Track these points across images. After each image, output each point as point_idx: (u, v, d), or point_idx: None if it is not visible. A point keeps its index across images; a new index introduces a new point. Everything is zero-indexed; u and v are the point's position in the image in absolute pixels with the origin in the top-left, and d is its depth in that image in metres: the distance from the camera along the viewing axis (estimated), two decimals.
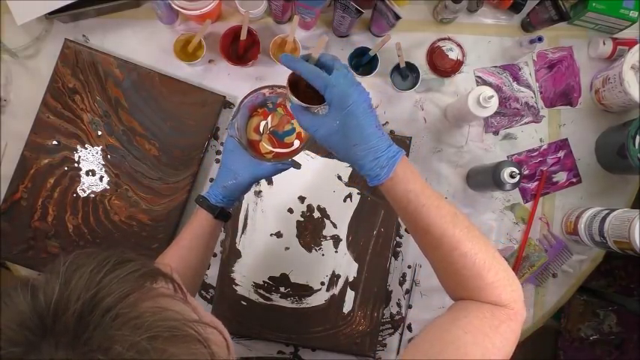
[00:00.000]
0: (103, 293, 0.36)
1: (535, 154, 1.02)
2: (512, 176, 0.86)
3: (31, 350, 0.34)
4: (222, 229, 0.96)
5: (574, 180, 1.02)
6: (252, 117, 0.80)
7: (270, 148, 0.79)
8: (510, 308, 0.57)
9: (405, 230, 0.99)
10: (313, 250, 0.97)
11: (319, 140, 0.60)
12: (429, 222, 0.57)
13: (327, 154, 0.98)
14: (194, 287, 0.77)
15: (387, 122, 1.00)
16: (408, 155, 0.98)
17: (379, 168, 0.56)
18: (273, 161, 0.77)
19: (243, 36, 0.89)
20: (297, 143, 0.79)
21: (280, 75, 0.99)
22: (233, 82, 0.99)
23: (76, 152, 0.95)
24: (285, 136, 0.79)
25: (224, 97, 0.97)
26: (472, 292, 0.58)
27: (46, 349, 0.34)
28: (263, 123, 0.79)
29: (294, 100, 0.61)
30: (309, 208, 0.98)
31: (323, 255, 0.97)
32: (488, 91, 0.86)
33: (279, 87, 0.77)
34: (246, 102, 0.76)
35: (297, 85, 0.63)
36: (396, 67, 0.96)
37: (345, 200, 0.98)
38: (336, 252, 0.97)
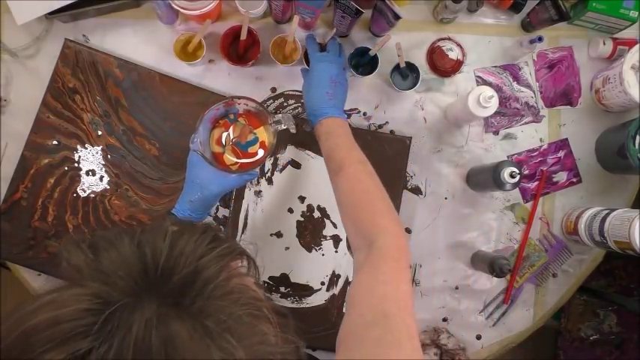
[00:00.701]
0: (204, 265, 0.40)
1: (535, 154, 1.02)
2: (512, 176, 0.86)
3: (137, 302, 0.36)
4: (222, 228, 0.96)
5: (574, 180, 1.02)
6: (213, 129, 0.81)
7: (235, 160, 0.80)
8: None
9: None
10: (313, 250, 0.97)
11: (304, 85, 0.88)
12: (335, 155, 0.75)
13: None
14: None
15: (386, 122, 1.00)
16: (408, 155, 0.98)
17: (311, 121, 0.81)
18: (239, 172, 0.78)
19: (243, 36, 0.89)
20: (261, 152, 0.81)
21: (280, 75, 0.99)
22: (233, 82, 0.99)
23: (76, 152, 0.95)
24: (249, 146, 0.81)
25: (224, 97, 0.96)
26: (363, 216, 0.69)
27: (148, 305, 0.36)
28: (225, 134, 0.81)
29: (304, 66, 0.92)
30: (309, 208, 0.98)
31: (323, 255, 0.97)
32: (488, 91, 0.86)
33: (239, 98, 0.78)
34: (207, 115, 0.77)
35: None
36: (396, 67, 0.96)
37: None
38: (336, 252, 0.97)
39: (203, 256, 0.40)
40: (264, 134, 0.82)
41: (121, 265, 0.39)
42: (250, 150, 0.81)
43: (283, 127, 0.80)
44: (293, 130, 0.81)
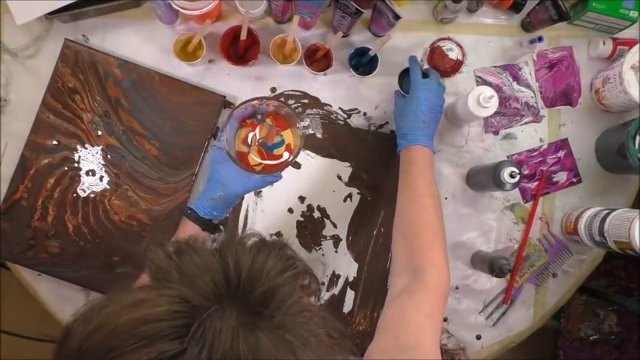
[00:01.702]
0: (282, 282, 0.42)
1: (535, 154, 1.02)
2: (512, 176, 0.86)
3: (220, 309, 0.38)
4: (222, 229, 0.96)
5: (574, 180, 1.02)
6: (240, 128, 0.80)
7: (259, 160, 0.79)
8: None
9: None
10: (313, 250, 0.97)
11: (395, 111, 0.92)
12: (408, 178, 0.79)
13: (327, 154, 0.98)
14: None
15: (386, 122, 1.00)
16: None
17: (400, 143, 0.84)
18: (262, 173, 0.78)
19: (243, 36, 0.89)
20: (286, 155, 0.80)
21: (280, 75, 0.99)
22: (233, 82, 0.99)
23: (76, 152, 0.95)
24: (274, 148, 0.80)
25: (224, 97, 0.97)
26: (414, 250, 0.73)
27: (229, 313, 0.38)
28: (251, 134, 0.80)
29: (400, 89, 0.95)
30: (309, 208, 0.98)
31: (323, 255, 0.97)
32: (488, 91, 0.86)
33: (269, 98, 0.77)
34: (236, 114, 0.76)
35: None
36: (405, 72, 0.94)
37: (345, 200, 0.98)
38: (336, 252, 0.97)
39: (282, 273, 0.42)
40: (290, 137, 0.81)
41: (204, 271, 0.40)
42: (275, 152, 0.80)
43: (311, 131, 0.79)
44: (319, 135, 0.81)
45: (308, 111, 0.99)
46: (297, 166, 0.97)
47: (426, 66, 1.00)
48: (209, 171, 0.79)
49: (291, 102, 0.99)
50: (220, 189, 0.75)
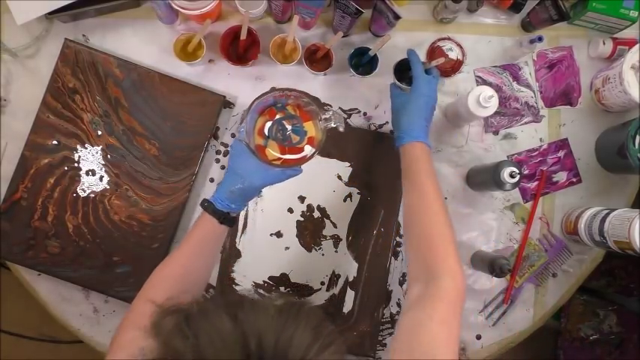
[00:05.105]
0: (312, 357, 0.39)
1: (535, 153, 1.02)
2: (512, 176, 0.86)
3: None
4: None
5: (574, 180, 1.02)
6: (258, 117, 0.76)
7: (277, 155, 0.75)
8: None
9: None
10: (313, 250, 0.97)
11: (393, 104, 0.89)
12: (415, 178, 0.78)
13: (327, 153, 0.98)
14: (198, 292, 0.76)
15: (386, 122, 1.00)
16: None
17: (402, 138, 0.82)
18: (282, 167, 0.75)
19: (243, 36, 0.89)
20: (307, 149, 0.75)
21: (280, 75, 0.99)
22: (233, 82, 0.99)
23: (76, 152, 0.95)
24: (294, 132, 0.75)
25: (224, 96, 0.97)
26: (427, 255, 0.72)
27: None
28: (269, 124, 0.75)
29: (397, 82, 0.94)
30: (309, 207, 0.98)
31: (323, 255, 0.97)
32: (488, 90, 0.86)
33: (290, 90, 0.75)
34: (255, 106, 0.73)
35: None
36: (401, 63, 0.95)
37: (345, 200, 0.98)
38: (336, 252, 0.97)
39: (312, 345, 0.40)
40: (312, 129, 0.76)
41: (223, 351, 0.38)
42: (294, 138, 0.76)
43: (333, 125, 0.75)
44: (342, 129, 0.76)
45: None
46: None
47: (423, 59, 0.99)
48: (228, 163, 0.77)
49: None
50: (239, 181, 0.74)
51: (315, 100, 0.99)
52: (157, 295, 0.68)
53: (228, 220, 0.74)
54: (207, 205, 0.74)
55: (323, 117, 0.75)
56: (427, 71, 0.87)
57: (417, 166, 0.79)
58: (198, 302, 0.43)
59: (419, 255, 0.73)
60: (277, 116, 0.75)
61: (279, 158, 0.75)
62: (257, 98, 0.73)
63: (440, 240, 0.72)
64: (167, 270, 0.72)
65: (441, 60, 0.89)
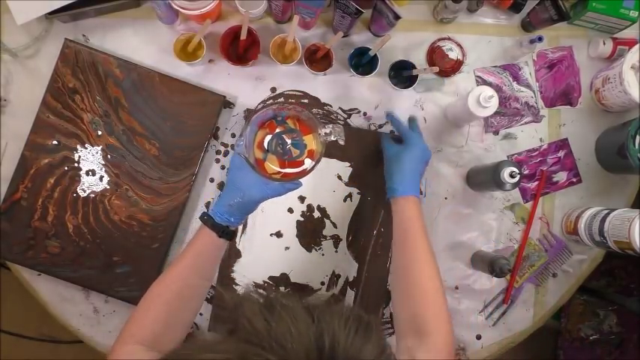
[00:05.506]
0: None
1: (535, 154, 1.02)
2: (512, 176, 0.86)
3: None
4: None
5: (574, 180, 1.02)
6: (258, 130, 0.75)
7: (277, 169, 0.74)
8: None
9: None
10: (313, 250, 0.97)
11: (386, 154, 0.90)
12: (408, 238, 0.79)
13: (327, 154, 0.98)
14: (197, 305, 0.75)
15: (386, 122, 1.00)
16: None
17: (395, 190, 0.83)
18: (282, 181, 0.74)
19: (243, 36, 0.89)
20: (307, 162, 0.74)
21: (280, 75, 0.99)
22: (233, 82, 0.99)
23: (76, 152, 0.95)
24: (294, 145, 0.74)
25: (224, 96, 0.97)
26: (415, 309, 0.73)
27: None
28: (268, 137, 0.74)
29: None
30: (309, 208, 0.98)
31: (323, 255, 0.97)
32: (488, 90, 0.86)
33: (289, 104, 0.74)
34: (255, 119, 0.73)
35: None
36: (395, 66, 0.96)
37: (345, 200, 0.98)
38: (336, 252, 0.97)
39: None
40: (312, 142, 0.75)
41: (299, 345, 0.40)
42: (294, 152, 0.75)
43: (333, 138, 0.75)
44: (342, 142, 0.76)
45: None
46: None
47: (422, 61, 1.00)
48: (227, 176, 0.77)
49: (291, 102, 0.99)
50: (238, 195, 0.74)
51: (315, 100, 0.99)
52: (152, 309, 0.68)
53: (227, 233, 0.74)
54: (207, 219, 0.74)
55: (323, 131, 0.74)
56: (410, 126, 0.93)
57: (409, 224, 0.80)
58: (279, 292, 0.45)
59: (409, 309, 0.74)
60: (277, 130, 0.75)
61: (279, 172, 0.74)
62: (255, 112, 0.72)
63: (431, 295, 0.74)
64: (162, 286, 0.72)
65: (435, 69, 0.92)
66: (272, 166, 0.73)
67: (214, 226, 0.73)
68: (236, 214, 0.74)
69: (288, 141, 0.74)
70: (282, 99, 0.99)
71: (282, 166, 0.74)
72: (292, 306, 0.43)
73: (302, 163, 0.74)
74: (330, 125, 0.74)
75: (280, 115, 0.75)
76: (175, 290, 0.71)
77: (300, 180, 0.76)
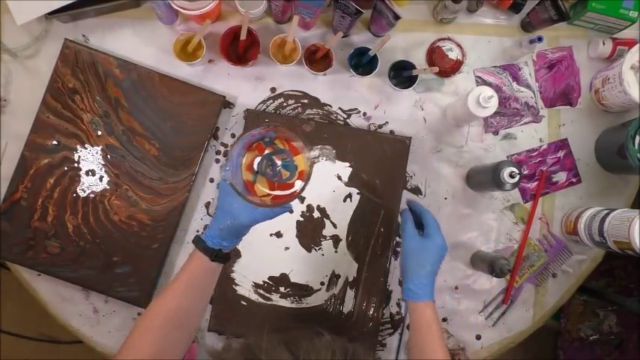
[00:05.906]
0: None
1: (535, 154, 1.02)
2: (512, 176, 0.86)
3: None
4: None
5: (574, 180, 1.02)
6: (246, 152, 0.73)
7: (267, 191, 0.72)
8: None
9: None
10: (313, 250, 0.97)
11: (406, 245, 0.85)
12: (427, 344, 0.79)
13: None
14: (192, 330, 0.74)
15: (386, 122, 1.00)
16: (407, 155, 0.98)
17: (415, 294, 0.81)
18: (269, 206, 0.72)
19: (243, 36, 0.89)
20: (298, 184, 0.73)
21: (280, 75, 0.99)
22: (233, 82, 0.99)
23: (76, 152, 0.95)
24: (285, 167, 0.73)
25: (224, 97, 0.97)
26: None
27: None
28: (257, 159, 0.73)
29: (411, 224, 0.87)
30: (309, 208, 0.98)
31: (323, 255, 0.97)
32: (488, 91, 0.86)
33: (276, 125, 0.73)
34: (241, 141, 0.72)
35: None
36: (394, 67, 0.96)
37: (345, 200, 0.98)
38: (336, 252, 0.97)
39: None
40: (302, 163, 0.73)
41: None
42: (284, 174, 0.73)
43: (323, 159, 0.74)
44: (334, 163, 0.76)
45: (308, 111, 0.99)
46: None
47: (422, 61, 1.00)
48: (218, 201, 0.76)
49: (291, 102, 0.99)
50: (228, 219, 0.73)
51: (315, 100, 0.99)
52: (146, 334, 0.68)
53: (220, 256, 0.73)
54: (199, 243, 0.73)
55: (311, 154, 0.73)
56: (420, 222, 0.88)
57: (428, 330, 0.80)
58: (258, 337, 0.45)
59: None
60: (266, 151, 0.73)
61: (269, 194, 0.73)
62: (242, 135, 0.71)
63: None
64: (155, 311, 0.71)
65: (435, 69, 0.92)
66: (262, 188, 0.72)
67: (206, 250, 0.72)
68: (227, 238, 0.74)
69: (279, 162, 0.72)
70: (281, 99, 0.99)
71: (272, 189, 0.72)
72: (274, 352, 0.43)
73: (292, 185, 0.73)
74: (319, 147, 0.73)
75: (268, 137, 0.74)
76: (169, 315, 0.70)
77: (290, 204, 0.74)
